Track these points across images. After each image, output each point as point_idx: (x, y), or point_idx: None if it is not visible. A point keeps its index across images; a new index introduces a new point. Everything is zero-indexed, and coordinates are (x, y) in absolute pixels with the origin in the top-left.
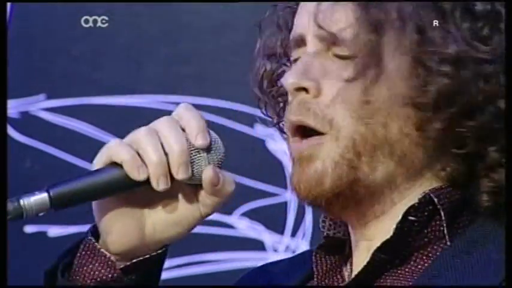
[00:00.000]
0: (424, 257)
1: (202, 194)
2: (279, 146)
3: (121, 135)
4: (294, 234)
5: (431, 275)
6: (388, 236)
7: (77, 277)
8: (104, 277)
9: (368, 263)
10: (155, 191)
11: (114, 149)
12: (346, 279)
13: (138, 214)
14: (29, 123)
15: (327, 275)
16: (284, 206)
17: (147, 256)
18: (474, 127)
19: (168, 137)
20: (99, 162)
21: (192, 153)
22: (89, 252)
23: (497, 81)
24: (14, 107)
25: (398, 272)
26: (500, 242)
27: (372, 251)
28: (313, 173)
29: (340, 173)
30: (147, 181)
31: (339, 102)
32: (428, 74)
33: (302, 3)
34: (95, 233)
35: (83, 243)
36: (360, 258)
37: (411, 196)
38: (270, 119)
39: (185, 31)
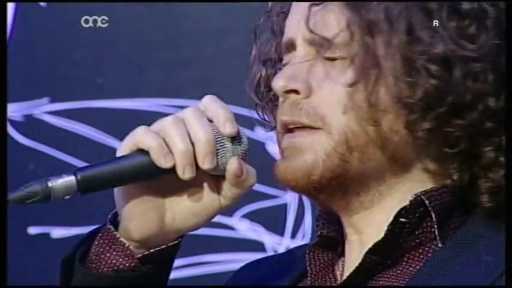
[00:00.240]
0: (416, 258)
1: (224, 186)
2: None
3: (123, 138)
4: (293, 235)
5: (423, 277)
6: (378, 230)
7: (94, 265)
8: (122, 266)
9: (360, 264)
10: (177, 180)
11: (141, 136)
12: (338, 278)
13: (159, 202)
14: (32, 126)
15: (320, 274)
16: (284, 207)
17: (164, 246)
18: (464, 126)
19: (195, 127)
20: (126, 148)
21: (217, 144)
22: (107, 241)
23: (486, 80)
24: (18, 110)
25: (390, 273)
26: (491, 244)
27: (363, 247)
28: (301, 164)
29: (330, 166)
30: (173, 169)
31: (330, 102)
32: (416, 73)
33: (292, 8)
34: (114, 222)
35: (101, 231)
36: (352, 256)
37: (400, 190)
38: (267, 123)
39: (186, 35)
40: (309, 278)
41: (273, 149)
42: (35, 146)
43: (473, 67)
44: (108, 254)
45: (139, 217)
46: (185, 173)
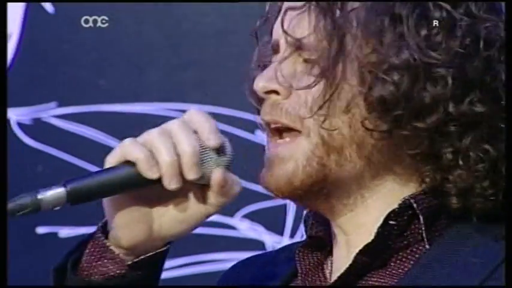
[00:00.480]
0: (404, 259)
1: (209, 194)
2: None
3: None
4: (292, 235)
5: (412, 277)
6: (364, 231)
7: (85, 272)
8: (112, 273)
9: (351, 265)
10: (164, 190)
11: (128, 148)
12: (328, 277)
13: (147, 211)
14: (40, 129)
15: (310, 273)
16: (283, 208)
17: (153, 253)
18: (424, 128)
19: (180, 139)
20: (113, 160)
21: (202, 155)
22: (98, 249)
23: (446, 84)
24: (26, 114)
25: (380, 273)
26: (477, 245)
27: (350, 247)
28: (282, 173)
29: (310, 171)
30: (159, 180)
31: (307, 102)
32: (373, 80)
33: (282, 10)
34: (104, 230)
35: (91, 240)
36: (340, 256)
37: (380, 192)
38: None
39: (187, 38)
40: (299, 277)
41: None
42: (43, 148)
43: (434, 72)
44: (99, 262)
45: (128, 226)
46: (171, 183)
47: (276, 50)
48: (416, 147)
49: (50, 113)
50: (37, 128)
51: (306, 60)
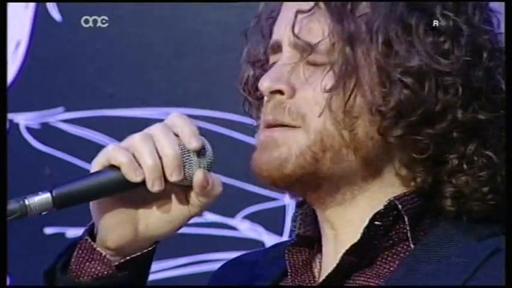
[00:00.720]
0: (389, 258)
1: (192, 195)
2: None
3: None
4: (292, 235)
5: (397, 277)
6: (351, 229)
7: (75, 274)
8: (100, 274)
9: (338, 265)
10: (148, 192)
11: (112, 153)
12: (316, 275)
13: (132, 213)
14: (48, 133)
15: (299, 272)
16: (283, 209)
17: (139, 253)
18: (433, 134)
19: (162, 142)
20: (97, 164)
21: (184, 157)
22: (86, 251)
23: (456, 92)
24: (35, 118)
25: (367, 272)
26: (460, 245)
27: (338, 244)
28: (276, 157)
29: (302, 163)
30: (143, 183)
31: (311, 103)
32: (390, 85)
33: (281, 13)
34: (91, 233)
35: (79, 243)
36: (328, 253)
37: (370, 191)
38: (254, 119)
39: (192, 46)
40: (289, 276)
41: None
42: (51, 152)
43: (445, 80)
44: (87, 263)
45: (114, 228)
46: (154, 185)
47: (276, 50)
48: (423, 152)
49: (58, 117)
50: (45, 132)
51: (311, 63)
